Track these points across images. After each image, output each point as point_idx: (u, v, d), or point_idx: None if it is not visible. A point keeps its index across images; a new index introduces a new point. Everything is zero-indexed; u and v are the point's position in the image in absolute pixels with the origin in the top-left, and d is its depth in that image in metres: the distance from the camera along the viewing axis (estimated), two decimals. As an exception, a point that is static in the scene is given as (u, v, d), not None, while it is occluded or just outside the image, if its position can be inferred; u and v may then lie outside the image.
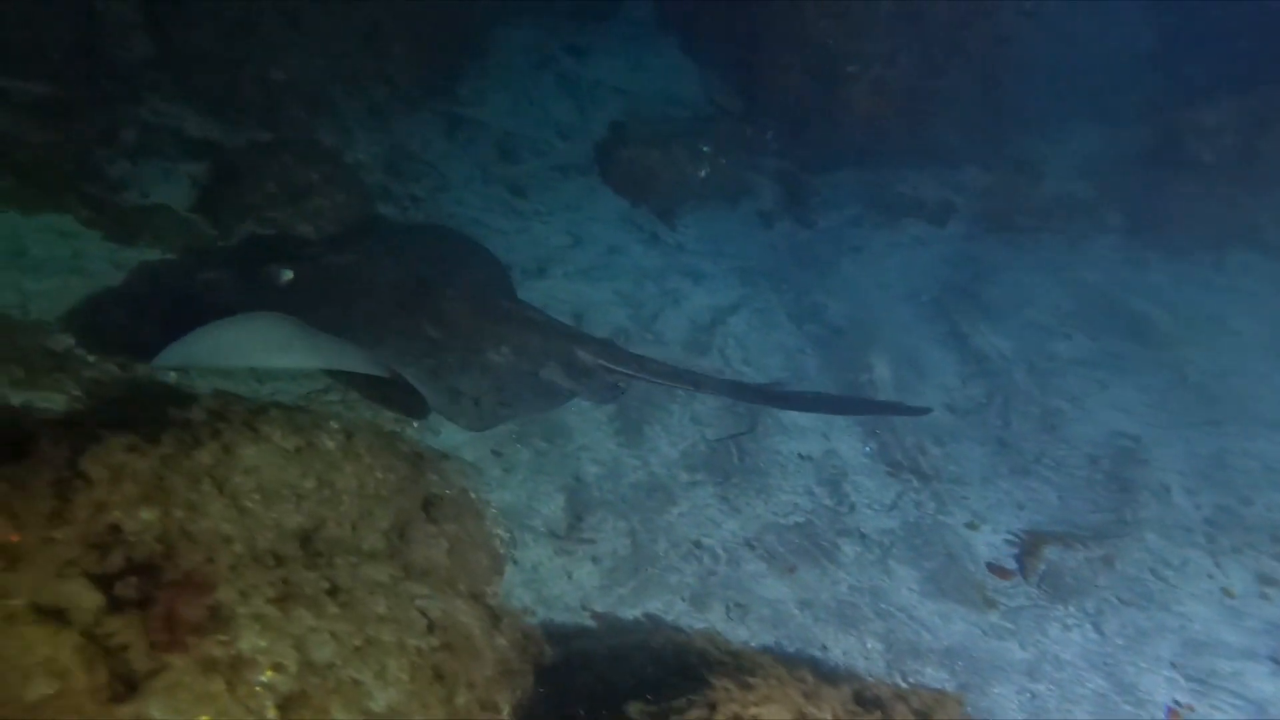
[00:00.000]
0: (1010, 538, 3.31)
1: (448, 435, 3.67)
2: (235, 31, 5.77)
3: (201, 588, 1.40)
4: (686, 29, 9.33)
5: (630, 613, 2.73)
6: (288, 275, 3.00)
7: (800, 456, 3.45)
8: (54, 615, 1.16)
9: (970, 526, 3.28)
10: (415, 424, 3.48)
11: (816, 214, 7.52)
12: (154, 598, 1.33)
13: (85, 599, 1.30)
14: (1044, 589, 3.05)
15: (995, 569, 3.10)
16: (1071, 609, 3.00)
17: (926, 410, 3.70)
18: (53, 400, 2.49)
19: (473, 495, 2.83)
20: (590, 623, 2.59)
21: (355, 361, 2.79)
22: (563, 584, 2.82)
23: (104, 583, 1.39)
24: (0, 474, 1.37)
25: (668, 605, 2.79)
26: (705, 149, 7.57)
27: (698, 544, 3.04)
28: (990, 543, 3.29)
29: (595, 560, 2.96)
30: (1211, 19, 8.19)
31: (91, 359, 2.92)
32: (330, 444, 2.46)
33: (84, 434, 1.81)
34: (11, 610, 1.11)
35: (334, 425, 2.61)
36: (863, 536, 3.21)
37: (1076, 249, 6.74)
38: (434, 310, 3.06)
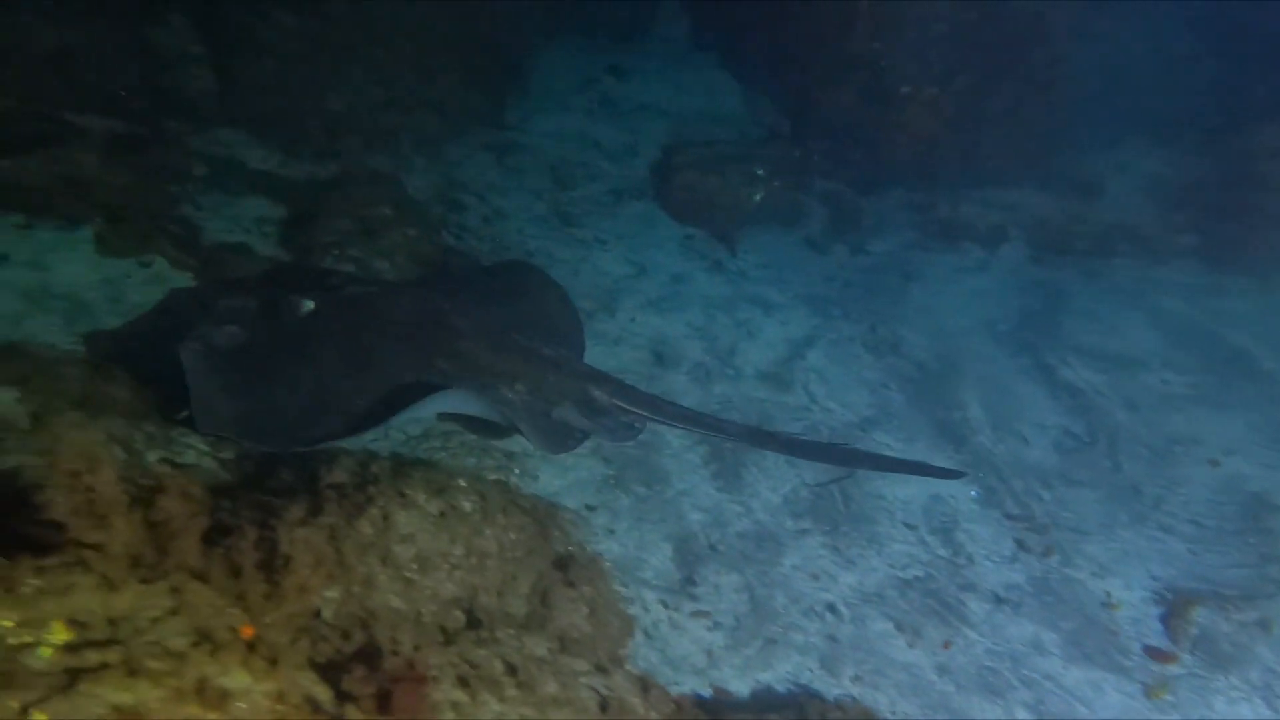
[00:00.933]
0: (1148, 595, 3.23)
1: (546, 481, 3.67)
2: (295, 63, 5.91)
3: (421, 679, 1.39)
4: (725, 48, 9.43)
5: (762, 675, 2.69)
6: (309, 306, 3.00)
7: (907, 525, 3.34)
8: (302, 712, 1.15)
9: (1109, 606, 3.10)
10: (516, 471, 3.48)
11: (870, 237, 7.55)
12: (388, 692, 1.31)
13: (321, 693, 1.28)
14: (1199, 656, 2.95)
15: (1154, 652, 2.92)
16: (1234, 680, 2.89)
17: (960, 474, 3.53)
18: (186, 456, 2.51)
19: (590, 550, 2.81)
20: (729, 693, 2.56)
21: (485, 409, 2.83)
22: (686, 644, 2.78)
23: (323, 671, 1.37)
24: (213, 558, 1.36)
25: (798, 669, 2.74)
26: (760, 172, 7.60)
27: (817, 600, 3.01)
28: (1128, 601, 3.18)
29: (715, 618, 2.93)
30: (1269, 39, 8.15)
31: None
32: (467, 505, 2.45)
33: (257, 504, 1.81)
34: (281, 715, 1.10)
35: (463, 483, 2.61)
36: (989, 593, 3.15)
37: (1150, 275, 6.66)
38: (449, 346, 3.07)
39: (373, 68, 6.25)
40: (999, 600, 3.09)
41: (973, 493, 3.71)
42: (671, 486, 3.61)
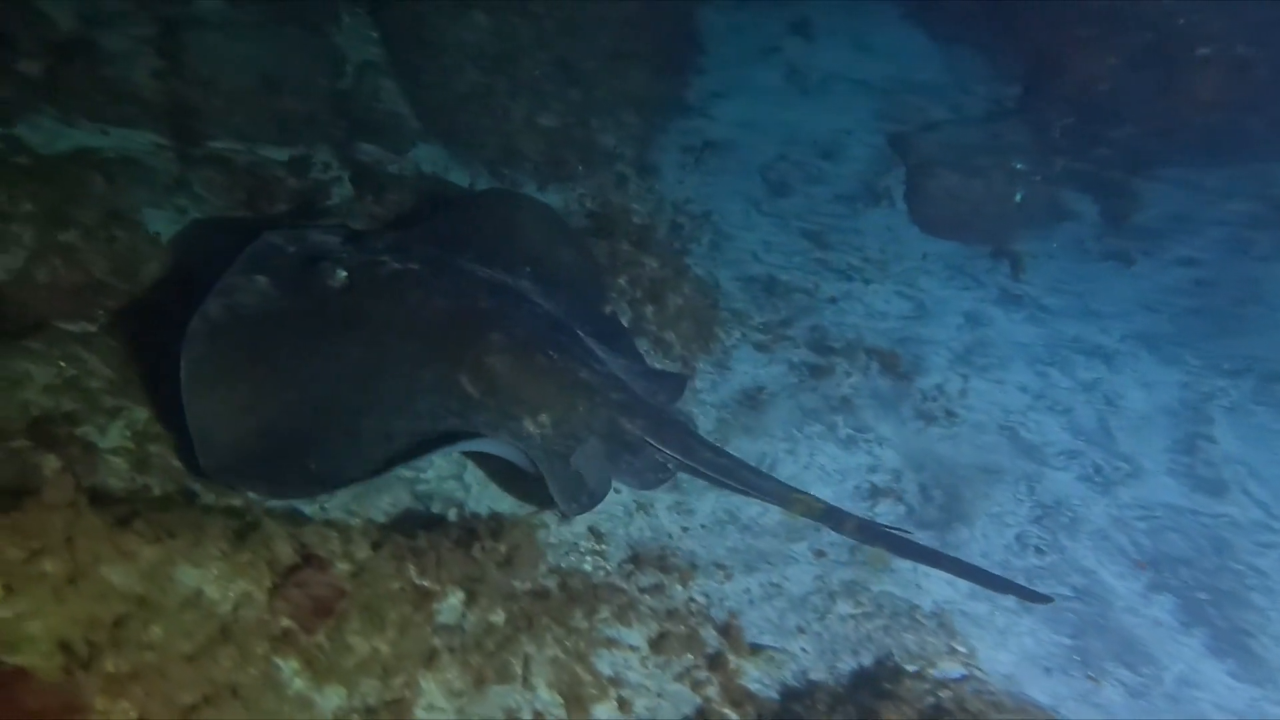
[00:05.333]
0: None
1: (985, 653, 2.93)
2: (492, 71, 5.27)
3: None
4: None
5: None
6: (342, 276, 2.97)
7: None
8: None
9: None
10: (960, 648, 2.75)
11: (1164, 240, 6.44)
12: None
13: None
14: None
15: None
16: None
17: (1047, 598, 2.93)
18: None
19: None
20: None
21: None
22: None
23: None
24: None
25: None
26: (1019, 166, 6.60)
27: None
28: None
29: None
30: None
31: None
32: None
33: None
34: None
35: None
36: None
37: None
38: (476, 359, 2.90)
39: (569, 65, 5.59)
40: None
41: None
42: (1163, 668, 2.79)
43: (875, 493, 3.50)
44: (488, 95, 4.96)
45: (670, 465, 2.98)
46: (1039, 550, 3.22)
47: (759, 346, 4.32)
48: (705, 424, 3.73)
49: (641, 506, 3.23)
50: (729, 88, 6.81)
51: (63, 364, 2.47)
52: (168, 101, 4.06)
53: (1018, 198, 6.21)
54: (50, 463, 2.18)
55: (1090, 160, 6.98)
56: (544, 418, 2.91)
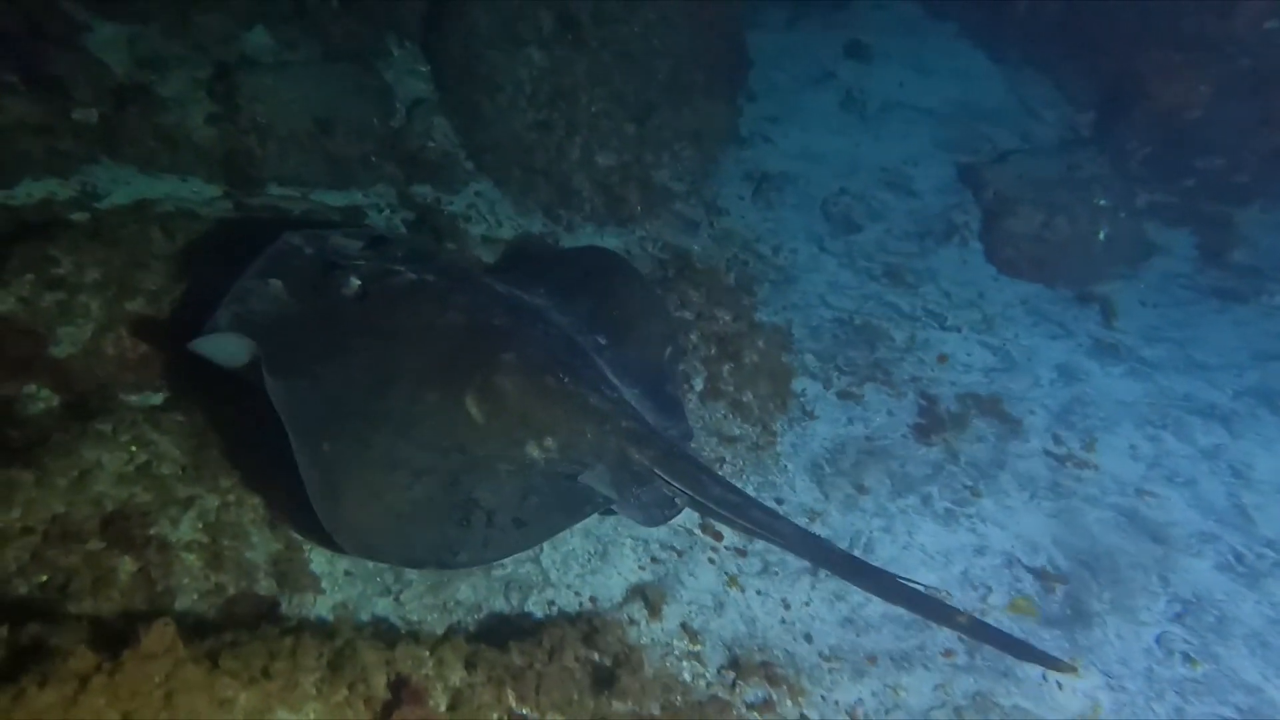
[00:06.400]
0: None
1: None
2: (550, 108, 5.20)
3: None
4: (969, 16, 8.15)
5: None
6: (355, 284, 2.99)
7: None
8: None
9: None
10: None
11: (1267, 280, 6.16)
12: None
13: None
14: None
15: None
16: None
17: (1071, 668, 2.85)
18: None
19: None
20: None
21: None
22: None
23: None
24: None
25: None
26: (1102, 202, 6.36)
27: None
28: None
29: None
30: None
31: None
32: None
33: None
34: None
35: None
36: None
37: None
38: (484, 379, 2.88)
39: (626, 99, 5.50)
40: None
41: None
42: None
43: (987, 580, 3.28)
44: (543, 133, 4.89)
45: (678, 500, 2.89)
46: (1188, 658, 2.95)
47: (841, 398, 4.13)
48: (800, 494, 3.56)
49: (734, 581, 3.08)
50: (784, 113, 6.70)
51: (133, 449, 2.39)
52: (223, 148, 4.04)
53: (1101, 235, 5.98)
54: (126, 566, 2.09)
55: (1176, 193, 6.74)
56: (549, 442, 2.88)
